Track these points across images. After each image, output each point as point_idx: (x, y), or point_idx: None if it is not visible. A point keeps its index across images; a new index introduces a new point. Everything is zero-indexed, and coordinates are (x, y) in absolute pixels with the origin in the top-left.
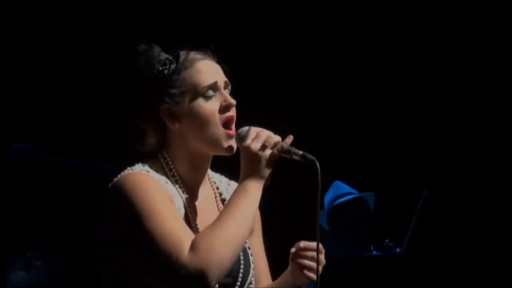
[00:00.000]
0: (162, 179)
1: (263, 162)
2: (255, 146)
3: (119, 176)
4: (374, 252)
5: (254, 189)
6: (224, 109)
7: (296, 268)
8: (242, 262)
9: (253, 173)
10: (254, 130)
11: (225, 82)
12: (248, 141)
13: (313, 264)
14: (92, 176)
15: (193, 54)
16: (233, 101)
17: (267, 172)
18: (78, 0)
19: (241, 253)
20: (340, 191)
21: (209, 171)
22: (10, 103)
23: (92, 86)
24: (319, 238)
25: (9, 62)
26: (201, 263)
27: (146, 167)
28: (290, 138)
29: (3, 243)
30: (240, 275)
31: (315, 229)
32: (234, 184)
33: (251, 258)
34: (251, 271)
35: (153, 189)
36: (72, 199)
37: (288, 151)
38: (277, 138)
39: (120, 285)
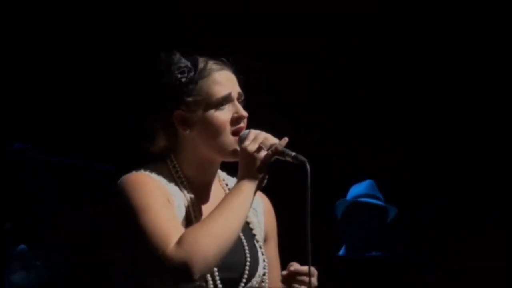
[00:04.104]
0: (163, 180)
1: (258, 163)
2: (252, 147)
3: (122, 177)
4: (374, 253)
5: (247, 189)
6: (235, 120)
7: None
8: (248, 257)
9: (248, 173)
10: (253, 133)
11: (239, 94)
12: (246, 143)
13: None
14: (91, 176)
15: (211, 64)
16: (245, 114)
17: (261, 173)
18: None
19: (247, 249)
20: (371, 191)
21: (221, 174)
22: (10, 103)
23: (96, 86)
24: (310, 241)
25: (9, 62)
26: (185, 256)
27: (149, 169)
28: (285, 140)
29: (3, 242)
30: (246, 271)
31: (306, 233)
32: None
33: (261, 256)
34: (261, 269)
35: (150, 188)
36: (72, 199)
37: (282, 153)
38: (274, 140)
39: (133, 285)
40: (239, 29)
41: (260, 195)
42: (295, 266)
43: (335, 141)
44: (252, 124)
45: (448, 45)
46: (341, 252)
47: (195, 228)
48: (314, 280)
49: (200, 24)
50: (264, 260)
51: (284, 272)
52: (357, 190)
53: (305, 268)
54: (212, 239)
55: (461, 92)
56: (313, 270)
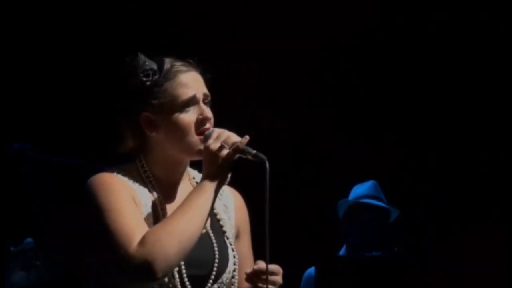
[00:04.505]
0: (130, 180)
1: (220, 161)
2: (214, 146)
3: (90, 178)
4: (374, 253)
5: (209, 187)
6: (200, 122)
7: None
8: (217, 255)
9: (210, 172)
10: (217, 131)
11: (205, 95)
12: (209, 142)
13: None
14: (92, 176)
15: (177, 66)
16: (210, 115)
17: (223, 171)
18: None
19: (216, 246)
20: (374, 192)
21: (191, 172)
22: (10, 103)
23: (96, 86)
24: (268, 240)
25: (9, 63)
26: (147, 255)
27: (118, 169)
28: (246, 138)
29: (3, 242)
30: (215, 268)
31: (265, 233)
32: None
33: (232, 253)
34: (231, 265)
35: (115, 188)
36: (72, 199)
37: (243, 151)
38: (236, 138)
39: (100, 284)
40: (239, 29)
41: (231, 192)
42: (259, 264)
43: (335, 141)
44: (254, 122)
45: (448, 45)
46: (342, 252)
47: (158, 227)
48: (279, 279)
49: (200, 24)
50: (234, 257)
51: (248, 271)
52: (359, 190)
53: (270, 267)
54: (174, 238)
55: (461, 92)
56: (278, 268)
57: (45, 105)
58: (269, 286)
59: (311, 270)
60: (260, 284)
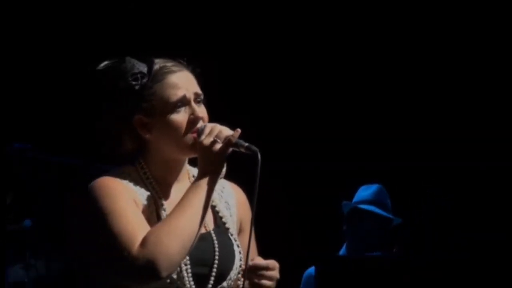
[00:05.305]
0: (130, 182)
1: (213, 156)
2: (207, 141)
3: (91, 183)
4: (374, 253)
5: (206, 183)
6: (192, 121)
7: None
8: (217, 253)
9: (205, 167)
10: (209, 126)
11: (196, 94)
12: (202, 137)
13: (266, 282)
14: (91, 176)
15: (167, 67)
16: (202, 114)
17: (218, 165)
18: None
19: (217, 244)
20: (379, 198)
21: (192, 170)
22: (10, 103)
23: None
24: (252, 233)
25: (9, 63)
26: (149, 255)
27: (118, 173)
28: (237, 132)
29: (3, 243)
30: (215, 266)
31: (250, 225)
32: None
33: (237, 249)
34: (237, 261)
35: (116, 191)
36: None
37: (235, 144)
38: (228, 132)
39: (105, 285)
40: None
41: (232, 187)
42: (255, 260)
43: (335, 141)
44: (258, 120)
45: (448, 45)
46: (342, 252)
47: (158, 227)
48: (275, 273)
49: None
50: (240, 252)
51: (243, 267)
52: (364, 194)
53: (265, 262)
54: (174, 236)
55: (461, 91)
56: (274, 263)
57: (45, 105)
58: (266, 281)
59: (311, 270)
60: (256, 280)
